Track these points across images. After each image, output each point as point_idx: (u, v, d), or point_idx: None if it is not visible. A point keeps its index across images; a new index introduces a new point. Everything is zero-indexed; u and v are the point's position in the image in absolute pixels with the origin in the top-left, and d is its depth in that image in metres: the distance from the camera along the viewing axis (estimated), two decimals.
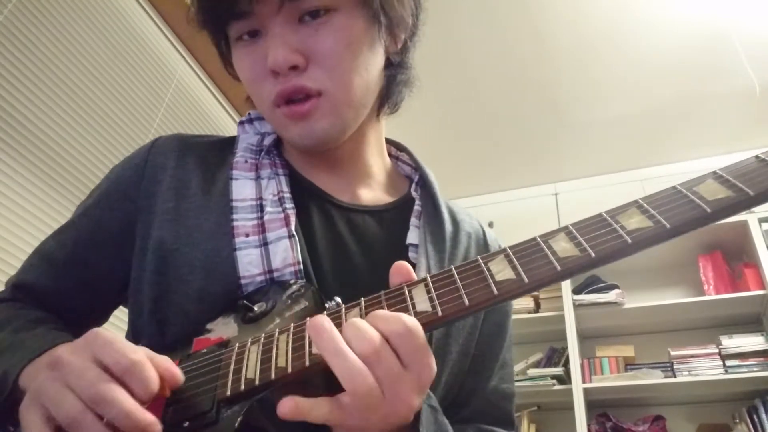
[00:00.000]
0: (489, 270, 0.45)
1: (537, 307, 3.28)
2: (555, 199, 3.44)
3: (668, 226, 0.42)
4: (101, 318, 0.75)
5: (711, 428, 2.83)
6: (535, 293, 3.30)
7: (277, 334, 0.50)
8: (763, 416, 2.64)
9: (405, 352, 0.44)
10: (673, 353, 2.89)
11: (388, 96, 0.72)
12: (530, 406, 3.11)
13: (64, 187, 1.63)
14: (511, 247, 0.47)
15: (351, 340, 0.44)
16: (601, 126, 3.15)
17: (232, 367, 0.49)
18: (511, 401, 0.75)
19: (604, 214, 0.45)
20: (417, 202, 0.73)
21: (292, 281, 0.60)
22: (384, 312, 0.45)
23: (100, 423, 0.43)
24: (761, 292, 2.75)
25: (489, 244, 0.77)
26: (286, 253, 0.60)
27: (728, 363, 2.75)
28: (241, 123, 0.76)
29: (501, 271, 0.45)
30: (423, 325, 0.44)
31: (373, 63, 0.66)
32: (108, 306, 0.73)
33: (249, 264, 0.60)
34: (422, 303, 0.46)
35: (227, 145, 0.74)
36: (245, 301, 0.58)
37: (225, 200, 0.65)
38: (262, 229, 0.63)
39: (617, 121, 3.10)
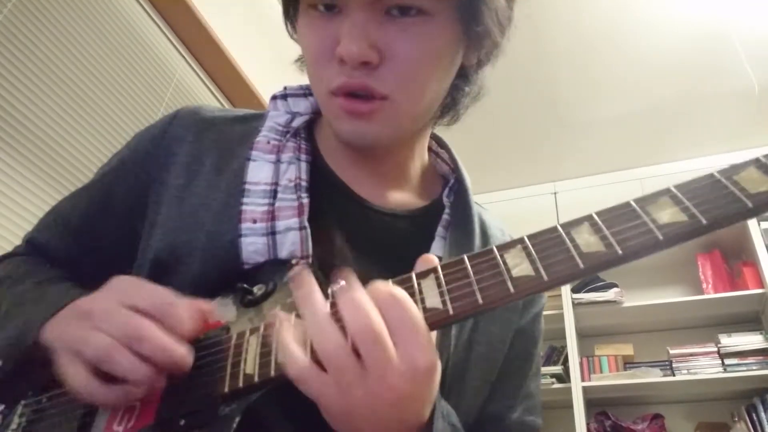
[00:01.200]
0: (505, 263, 0.41)
1: None
2: (554, 198, 3.44)
3: (705, 222, 0.37)
4: None
5: (710, 427, 2.83)
6: None
7: (277, 323, 0.48)
8: (762, 415, 2.64)
9: (392, 321, 0.40)
10: (672, 352, 2.89)
11: (451, 107, 0.68)
12: None
13: (63, 186, 1.63)
14: (529, 237, 0.42)
15: (336, 303, 0.41)
16: (600, 125, 3.15)
17: (230, 360, 0.47)
18: None
19: (633, 203, 0.41)
20: (447, 210, 0.68)
21: (293, 261, 0.56)
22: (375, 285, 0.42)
23: (134, 356, 0.42)
24: (760, 290, 2.76)
25: None
26: (294, 246, 0.57)
27: (727, 361, 2.76)
28: (274, 98, 0.70)
29: (518, 265, 0.40)
30: (433, 324, 0.41)
31: (448, 76, 0.62)
32: (119, 272, 0.72)
33: (254, 252, 0.56)
34: (432, 298, 0.42)
35: (254, 120, 0.69)
36: (244, 285, 0.55)
37: (238, 181, 0.61)
38: (271, 216, 0.58)
39: (617, 120, 3.10)
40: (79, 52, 1.73)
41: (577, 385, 2.84)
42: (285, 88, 0.71)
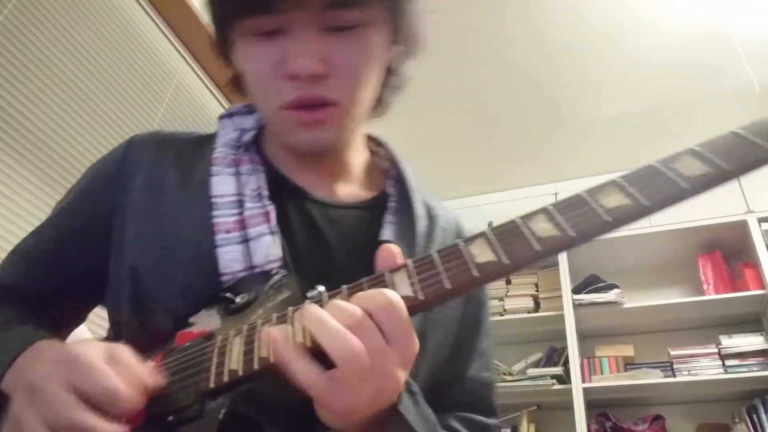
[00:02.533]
0: (469, 253, 0.45)
1: (537, 307, 3.28)
2: (554, 199, 3.39)
3: (646, 203, 0.42)
4: (78, 318, 0.74)
5: (710, 428, 2.83)
6: (535, 293, 3.31)
7: (259, 324, 0.49)
8: (763, 416, 2.64)
9: (388, 325, 0.44)
10: (672, 353, 2.89)
11: (380, 101, 0.74)
12: (530, 405, 3.11)
13: (64, 187, 1.63)
14: (491, 229, 0.47)
15: (333, 316, 0.44)
16: (601, 125, 3.15)
17: (215, 359, 0.49)
18: (491, 390, 0.74)
19: (583, 193, 0.46)
20: (392, 198, 0.73)
21: (273, 272, 0.60)
22: (365, 291, 0.46)
23: None
24: (761, 291, 2.76)
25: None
26: (267, 250, 0.61)
27: (728, 363, 2.75)
28: (221, 118, 0.76)
29: (481, 253, 0.45)
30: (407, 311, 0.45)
31: (380, 76, 0.69)
32: (85, 306, 0.73)
33: (231, 260, 0.60)
34: (403, 288, 0.46)
35: (206, 140, 0.74)
36: (228, 294, 0.58)
37: (205, 196, 0.65)
38: (243, 225, 0.63)
39: (617, 120, 3.10)
40: (80, 52, 1.73)
41: (577, 386, 2.84)
42: (230, 109, 0.77)
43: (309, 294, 0.51)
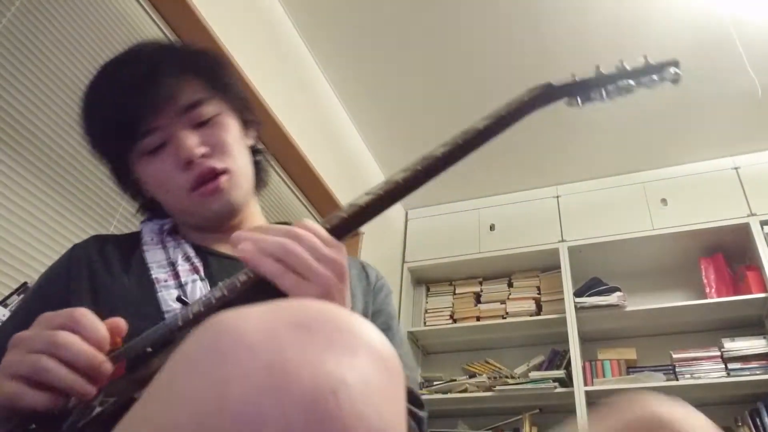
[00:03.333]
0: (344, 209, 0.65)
1: (539, 310, 3.28)
2: (557, 202, 3.43)
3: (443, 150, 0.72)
4: None
5: None
6: (537, 296, 3.31)
7: (216, 292, 0.59)
8: (766, 419, 2.63)
9: (317, 240, 0.58)
10: (675, 356, 2.88)
11: (258, 178, 0.94)
12: (532, 408, 3.10)
13: (65, 188, 1.64)
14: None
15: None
16: (603, 128, 3.15)
17: (180, 315, 0.57)
18: (412, 384, 0.83)
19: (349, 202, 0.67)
20: None
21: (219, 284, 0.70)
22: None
23: (59, 362, 0.50)
24: (763, 294, 2.75)
25: (368, 272, 0.96)
26: (201, 291, 0.75)
27: (730, 366, 2.75)
28: (143, 222, 0.92)
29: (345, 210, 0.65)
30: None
31: (247, 151, 0.89)
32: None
33: (171, 300, 0.73)
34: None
35: (135, 235, 0.90)
36: (182, 297, 0.72)
37: (143, 267, 0.80)
38: (177, 276, 0.78)
39: (619, 123, 3.10)
40: (81, 54, 1.74)
41: (579, 390, 2.83)
42: (147, 217, 0.93)
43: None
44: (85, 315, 0.53)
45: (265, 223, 0.95)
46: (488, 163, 3.39)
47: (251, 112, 0.93)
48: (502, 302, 3.36)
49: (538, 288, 3.35)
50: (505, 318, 3.28)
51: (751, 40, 2.58)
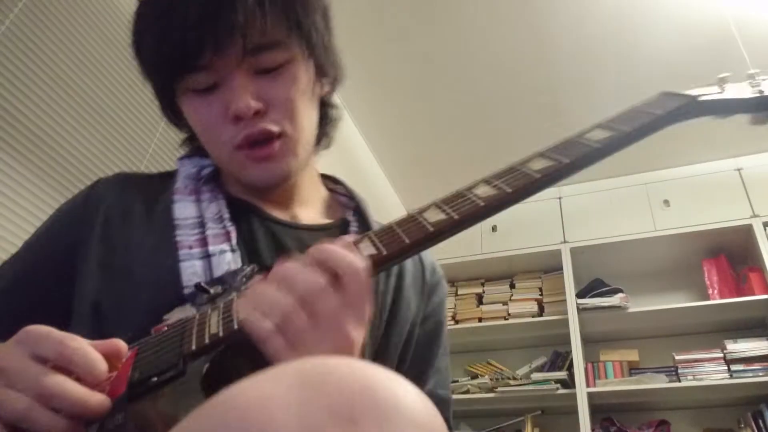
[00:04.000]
0: (423, 217, 0.52)
1: (541, 311, 3.27)
2: (559, 203, 3.43)
3: (567, 161, 0.54)
4: None
5: None
6: (539, 297, 3.30)
7: (236, 297, 0.52)
8: None
9: (349, 284, 0.46)
10: (677, 357, 2.88)
11: (323, 133, 0.80)
12: (534, 410, 3.10)
13: (67, 189, 1.64)
14: (439, 199, 0.54)
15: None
16: None
17: (195, 329, 0.51)
18: (447, 407, 0.76)
19: (513, 164, 0.56)
20: (354, 224, 0.77)
21: (243, 266, 0.62)
22: (328, 247, 0.49)
23: (51, 413, 0.43)
24: (766, 296, 2.75)
25: (425, 265, 0.83)
26: (228, 265, 0.64)
27: (733, 367, 2.74)
28: (181, 159, 0.80)
29: (433, 215, 0.52)
30: (374, 263, 0.49)
31: (315, 106, 0.75)
32: None
33: (193, 274, 0.63)
34: (368, 249, 0.51)
35: (168, 176, 0.78)
36: (201, 283, 0.60)
37: (167, 220, 0.68)
38: (204, 243, 0.66)
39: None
40: (84, 56, 1.74)
41: (581, 391, 2.82)
42: (188, 152, 0.82)
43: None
44: (78, 351, 0.45)
45: (322, 190, 0.84)
46: (489, 165, 3.39)
47: (332, 58, 0.76)
48: (505, 303, 3.36)
49: (541, 289, 3.35)
50: (507, 319, 3.28)
51: (754, 40, 2.58)
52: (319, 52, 0.71)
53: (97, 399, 0.44)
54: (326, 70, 0.75)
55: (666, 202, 3.20)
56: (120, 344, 0.49)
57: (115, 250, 0.67)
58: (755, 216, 2.93)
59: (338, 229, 0.76)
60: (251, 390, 0.29)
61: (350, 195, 0.84)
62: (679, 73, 2.74)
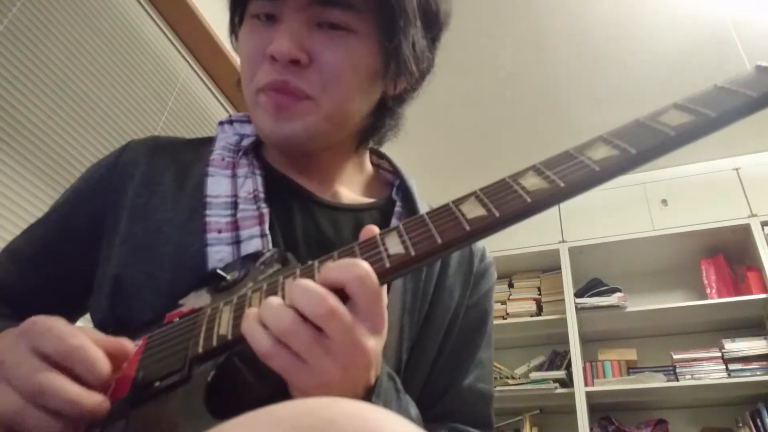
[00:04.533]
0: (460, 210, 0.45)
1: (539, 311, 3.28)
2: (559, 205, 3.43)
3: (634, 152, 0.42)
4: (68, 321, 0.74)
5: None
6: (537, 296, 3.30)
7: (250, 293, 0.48)
8: (766, 420, 2.63)
9: (360, 297, 0.42)
10: (675, 357, 2.88)
11: (371, 133, 0.74)
12: (532, 409, 3.11)
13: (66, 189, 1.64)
14: (481, 189, 0.46)
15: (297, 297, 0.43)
16: (603, 129, 3.14)
17: (204, 326, 0.47)
18: (488, 402, 0.71)
19: (570, 150, 0.46)
20: (398, 204, 0.73)
21: (263, 250, 0.59)
22: (336, 262, 0.44)
23: (44, 414, 0.41)
24: (764, 295, 2.75)
25: (473, 250, 0.76)
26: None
27: (731, 367, 2.75)
28: (221, 123, 0.76)
29: (472, 210, 0.44)
30: (397, 266, 0.43)
31: (368, 96, 0.68)
32: (74, 308, 0.71)
33: (219, 261, 0.59)
34: (395, 247, 0.44)
35: (204, 143, 0.74)
36: (218, 270, 0.56)
37: (199, 195, 0.65)
38: (235, 226, 0.62)
39: (619, 124, 3.10)
40: (83, 55, 1.74)
41: (580, 390, 2.83)
42: (230, 116, 0.76)
43: (301, 266, 0.49)
44: (78, 349, 0.42)
45: (368, 168, 0.80)
46: (490, 167, 3.39)
47: (415, 61, 0.68)
48: (503, 303, 3.36)
49: (539, 289, 3.35)
50: (505, 318, 3.28)
51: (752, 40, 2.58)
52: (397, 41, 0.64)
53: (94, 400, 0.41)
54: (399, 67, 0.66)
55: (664, 201, 3.21)
56: (126, 344, 0.47)
57: (141, 222, 0.64)
58: (753, 215, 2.94)
59: (379, 210, 0.72)
60: None
61: (395, 171, 0.79)
62: (678, 73, 2.75)
